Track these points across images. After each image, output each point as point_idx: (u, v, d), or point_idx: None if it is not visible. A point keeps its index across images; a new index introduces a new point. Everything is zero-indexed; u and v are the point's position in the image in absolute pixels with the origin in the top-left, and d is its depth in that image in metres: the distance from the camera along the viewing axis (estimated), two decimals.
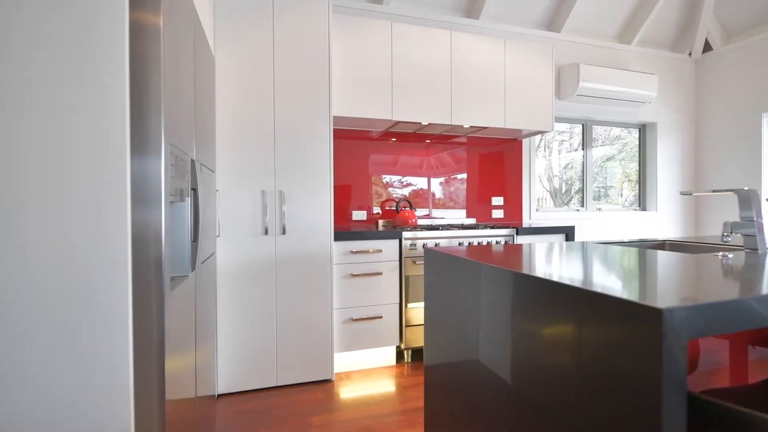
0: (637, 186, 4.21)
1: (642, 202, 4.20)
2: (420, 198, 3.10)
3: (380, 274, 2.36)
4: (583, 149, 3.94)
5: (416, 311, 2.43)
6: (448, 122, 2.72)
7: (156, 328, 0.83)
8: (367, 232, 2.33)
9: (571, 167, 3.93)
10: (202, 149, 1.34)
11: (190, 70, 1.14)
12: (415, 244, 2.44)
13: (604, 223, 3.86)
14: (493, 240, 2.62)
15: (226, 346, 2.02)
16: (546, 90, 3.04)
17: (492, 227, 2.67)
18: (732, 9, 3.84)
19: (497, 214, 3.36)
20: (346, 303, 2.31)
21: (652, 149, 4.15)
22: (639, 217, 4.01)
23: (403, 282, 2.41)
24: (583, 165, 3.92)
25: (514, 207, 3.43)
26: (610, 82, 3.58)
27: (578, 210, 3.87)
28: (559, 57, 3.65)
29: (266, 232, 2.08)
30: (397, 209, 2.86)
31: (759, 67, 3.76)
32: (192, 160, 1.13)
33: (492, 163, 3.34)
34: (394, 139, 3.01)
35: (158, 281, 0.82)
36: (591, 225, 3.82)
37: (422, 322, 2.44)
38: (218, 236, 1.98)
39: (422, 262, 2.42)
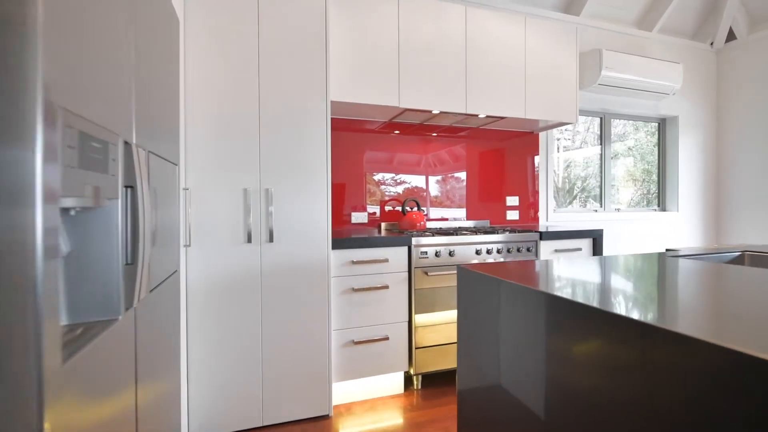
0: (643, 185, 3.90)
1: (661, 202, 3.90)
2: (426, 198, 2.76)
3: (386, 287, 2.01)
4: (600, 144, 3.62)
5: (427, 330, 2.08)
6: (463, 111, 2.37)
7: (32, 395, 0.47)
8: (370, 238, 1.98)
9: (576, 165, 3.58)
10: (153, 133, 0.98)
11: (122, 22, 0.78)
12: (426, 252, 2.09)
13: (624, 225, 3.55)
14: (515, 246, 2.28)
15: (199, 381, 1.65)
16: (569, 77, 2.71)
17: (512, 231, 2.33)
18: None
19: (512, 215, 3.02)
20: (346, 323, 1.96)
21: (672, 145, 3.85)
22: (660, 218, 3.71)
23: (413, 297, 2.06)
24: (601, 162, 3.61)
25: (530, 207, 3.10)
26: (633, 71, 3.26)
27: (596, 210, 3.55)
28: (579, 42, 3.32)
29: (249, 240, 1.71)
30: (403, 211, 2.51)
31: None
32: (127, 143, 0.77)
33: (505, 159, 3.00)
34: (397, 132, 2.66)
35: (26, 335, 0.46)
36: (611, 227, 3.50)
37: (435, 343, 2.10)
38: (188, 246, 1.61)
39: (436, 273, 2.07)
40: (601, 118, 3.61)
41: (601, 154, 3.61)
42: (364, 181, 2.57)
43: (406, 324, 2.06)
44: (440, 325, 2.11)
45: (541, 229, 2.50)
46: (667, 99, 3.70)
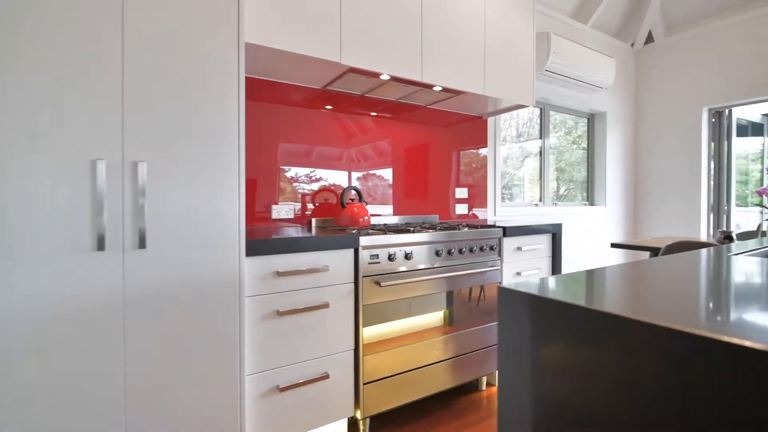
0: (555, 183, 3.92)
1: (590, 197, 3.93)
2: (365, 188, 2.26)
3: (325, 306, 1.46)
4: (540, 138, 3.48)
5: (380, 359, 1.59)
6: (418, 78, 1.91)
7: None
8: (303, 238, 1.42)
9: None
10: None
11: None
12: (377, 255, 1.59)
13: (560, 219, 3.46)
14: (477, 245, 1.90)
15: None
16: (526, 57, 2.43)
17: (472, 227, 1.95)
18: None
19: (460, 209, 2.67)
20: (268, 361, 1.37)
21: (600, 140, 3.89)
22: (589, 212, 3.72)
23: (360, 315, 1.55)
24: (541, 155, 3.46)
25: (477, 200, 2.79)
26: (575, 60, 3.14)
27: (536, 205, 3.41)
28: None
29: (101, 246, 1.04)
30: (342, 203, 1.97)
31: (700, 60, 3.69)
32: None
33: (452, 146, 2.63)
34: (329, 107, 2.11)
35: None
36: (552, 221, 3.38)
37: (389, 374, 1.61)
38: None
39: (391, 282, 1.58)
40: (541, 109, 3.46)
41: (541, 147, 3.47)
42: (278, 171, 1.98)
43: (352, 353, 1.54)
44: (395, 349, 1.63)
45: (491, 223, 2.17)
46: (598, 93, 3.71)
